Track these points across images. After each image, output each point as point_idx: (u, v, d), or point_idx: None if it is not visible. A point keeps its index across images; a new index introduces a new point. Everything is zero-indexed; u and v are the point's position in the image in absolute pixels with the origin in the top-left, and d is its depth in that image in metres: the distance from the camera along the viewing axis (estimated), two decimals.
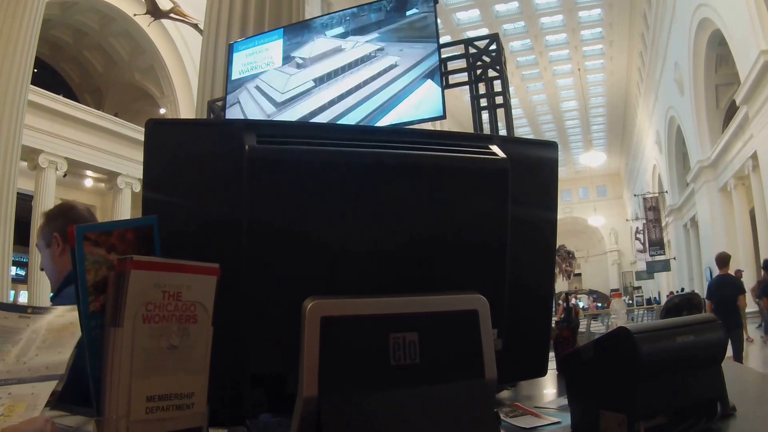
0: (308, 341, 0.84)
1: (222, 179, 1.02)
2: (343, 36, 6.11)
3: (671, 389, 1.13)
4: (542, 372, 1.30)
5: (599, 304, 32.57)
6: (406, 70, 5.72)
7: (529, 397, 1.82)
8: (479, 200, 1.08)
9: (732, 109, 21.02)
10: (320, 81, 6.11)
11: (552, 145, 1.28)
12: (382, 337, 0.89)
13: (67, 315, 1.45)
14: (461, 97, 24.47)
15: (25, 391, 1.28)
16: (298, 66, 6.18)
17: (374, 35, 5.93)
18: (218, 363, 0.90)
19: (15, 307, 1.54)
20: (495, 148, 1.11)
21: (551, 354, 1.99)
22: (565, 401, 1.33)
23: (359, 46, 5.96)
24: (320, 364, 0.84)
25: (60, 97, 22.77)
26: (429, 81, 5.57)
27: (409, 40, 5.78)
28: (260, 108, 6.25)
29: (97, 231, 0.86)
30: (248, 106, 6.32)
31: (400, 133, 1.35)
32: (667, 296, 24.17)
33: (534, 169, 1.23)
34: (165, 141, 1.05)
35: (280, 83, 6.24)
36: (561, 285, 28.69)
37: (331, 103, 5.96)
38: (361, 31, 6.02)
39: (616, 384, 1.12)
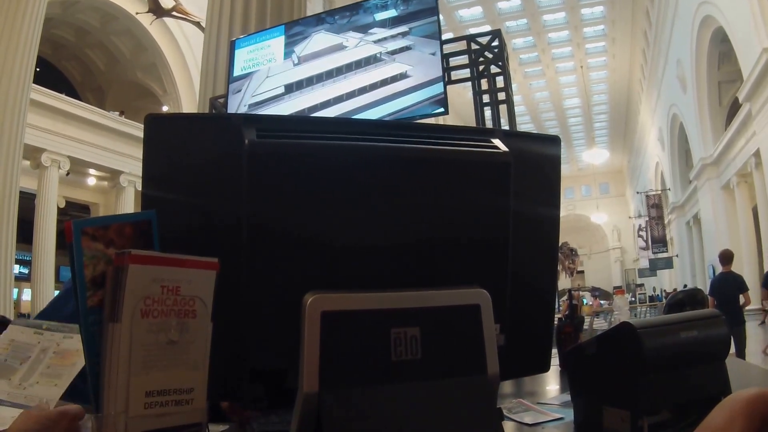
0: (309, 336, 0.84)
1: (222, 174, 1.01)
2: (384, 25, 5.87)
3: (675, 385, 1.12)
4: (545, 368, 1.30)
5: (602, 302, 32.48)
6: (421, 84, 5.52)
7: (533, 393, 1.82)
8: (481, 194, 1.07)
9: (735, 107, 20.99)
10: (298, 86, 6.00)
11: (554, 140, 1.27)
12: (384, 332, 0.89)
13: (75, 337, 1.44)
14: (464, 93, 24.47)
15: (15, 414, 1.29)
16: (294, 65, 6.14)
17: (404, 28, 5.71)
18: (218, 358, 0.89)
19: (32, 323, 1.55)
20: (497, 142, 1.11)
21: (554, 350, 1.99)
22: (568, 397, 1.32)
23: (363, 45, 5.84)
24: (321, 360, 0.84)
25: (62, 96, 22.81)
26: (441, 110, 5.47)
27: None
28: (240, 105, 6.26)
29: (95, 225, 0.85)
30: (237, 98, 6.29)
31: (401, 127, 1.34)
32: (670, 293, 24.17)
33: (536, 163, 1.23)
34: (164, 136, 1.05)
35: (255, 84, 6.23)
36: (564, 282, 28.70)
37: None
38: (408, 18, 5.75)
39: (620, 379, 1.11)
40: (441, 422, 0.90)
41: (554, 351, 1.95)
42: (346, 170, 0.99)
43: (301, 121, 1.36)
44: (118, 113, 25.76)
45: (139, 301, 0.80)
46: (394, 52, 5.68)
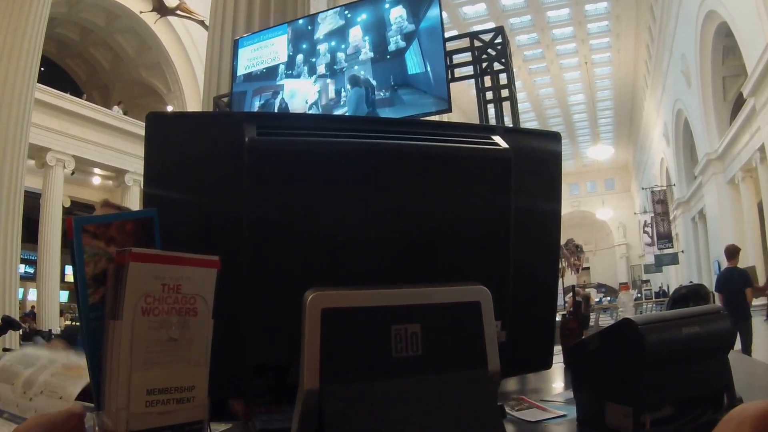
0: (309, 333, 0.84)
1: (223, 171, 1.01)
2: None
3: (677, 380, 1.12)
4: (547, 364, 1.30)
5: (599, 299, 32.30)
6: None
7: (536, 390, 1.82)
8: (482, 190, 1.07)
9: (739, 101, 20.93)
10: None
11: (555, 135, 1.27)
12: (384, 328, 0.89)
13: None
14: (468, 90, 24.46)
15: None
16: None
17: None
18: (219, 356, 0.89)
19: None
20: (498, 139, 1.11)
21: (558, 347, 1.99)
22: (572, 394, 1.32)
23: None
24: (321, 357, 0.84)
25: (67, 95, 22.86)
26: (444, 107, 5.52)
27: None
28: None
29: (96, 223, 0.85)
30: None
31: (402, 123, 1.35)
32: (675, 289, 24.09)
33: (537, 159, 1.22)
34: (166, 134, 1.05)
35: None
36: (570, 279, 28.66)
37: None
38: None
39: (622, 376, 1.11)
40: (441, 419, 0.90)
41: (558, 348, 1.96)
42: (347, 167, 1.00)
43: (302, 119, 1.36)
44: (117, 104, 25.80)
45: (139, 299, 0.80)
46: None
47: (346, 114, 5.81)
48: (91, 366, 0.83)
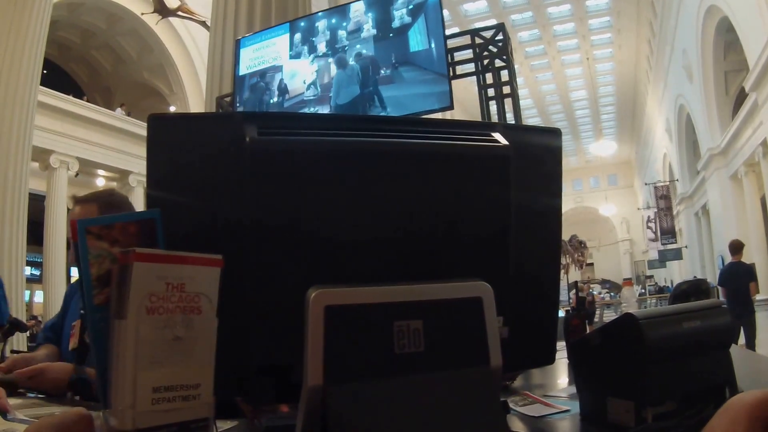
0: (313, 331, 0.85)
1: (224, 171, 1.02)
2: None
3: (679, 375, 1.12)
4: (550, 360, 1.30)
5: (603, 295, 32.21)
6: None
7: (541, 385, 1.83)
8: (482, 187, 1.08)
9: (741, 96, 20.85)
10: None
11: (555, 132, 1.28)
12: (387, 325, 0.89)
13: None
14: (471, 88, 24.41)
15: None
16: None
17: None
18: (224, 354, 0.90)
19: None
20: (497, 136, 1.11)
21: (563, 342, 1.99)
22: (575, 389, 1.33)
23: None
24: (325, 354, 0.85)
25: (69, 97, 22.85)
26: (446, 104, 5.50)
27: None
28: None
29: (100, 224, 0.86)
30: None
31: (402, 122, 1.35)
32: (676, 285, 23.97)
33: (537, 155, 1.23)
34: (167, 135, 1.06)
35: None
36: (573, 275, 28.60)
37: None
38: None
39: (623, 371, 1.12)
40: (444, 414, 0.90)
41: (563, 343, 1.96)
42: (348, 166, 1.00)
43: (302, 118, 1.37)
44: (120, 106, 25.82)
45: (144, 299, 0.81)
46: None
47: (331, 95, 5.81)
48: (98, 366, 0.84)
